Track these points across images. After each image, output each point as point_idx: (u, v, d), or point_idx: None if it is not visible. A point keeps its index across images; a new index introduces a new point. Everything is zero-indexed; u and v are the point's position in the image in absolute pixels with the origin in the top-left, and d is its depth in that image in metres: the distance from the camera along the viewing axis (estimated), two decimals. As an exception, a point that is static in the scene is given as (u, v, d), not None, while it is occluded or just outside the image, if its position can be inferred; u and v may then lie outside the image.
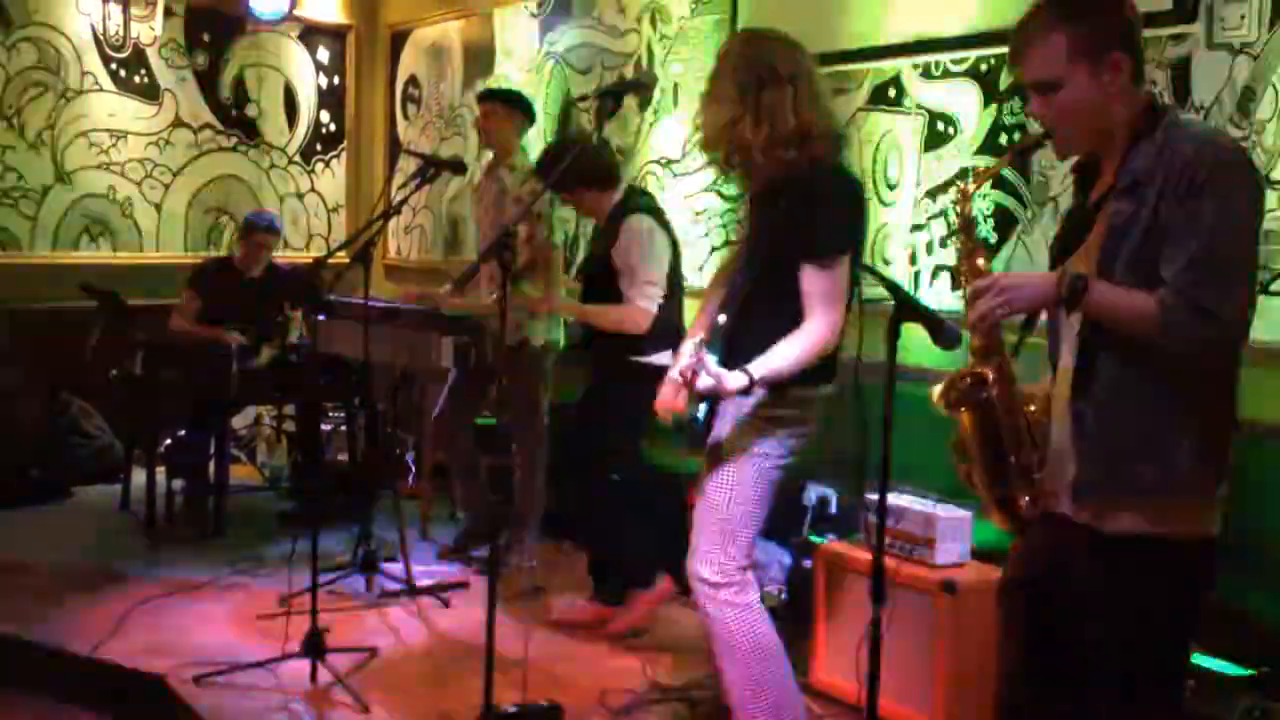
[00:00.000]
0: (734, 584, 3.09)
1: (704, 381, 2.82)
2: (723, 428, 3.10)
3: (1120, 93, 2.25)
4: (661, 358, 4.20)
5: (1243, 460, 2.31)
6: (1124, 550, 2.24)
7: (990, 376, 2.34)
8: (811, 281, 2.97)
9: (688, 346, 2.91)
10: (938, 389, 2.40)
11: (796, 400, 3.05)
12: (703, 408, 3.01)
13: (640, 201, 4.50)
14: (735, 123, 2.99)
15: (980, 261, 2.40)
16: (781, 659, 3.15)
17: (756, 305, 3.00)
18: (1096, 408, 2.26)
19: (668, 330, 4.29)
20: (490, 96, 5.40)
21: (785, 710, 3.13)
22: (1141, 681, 2.27)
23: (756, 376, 2.88)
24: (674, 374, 2.98)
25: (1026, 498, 2.36)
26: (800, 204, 2.98)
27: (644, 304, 4.33)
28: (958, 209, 2.45)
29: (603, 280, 4.43)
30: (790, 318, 2.97)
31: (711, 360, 2.82)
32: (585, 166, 4.45)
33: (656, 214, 4.47)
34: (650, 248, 4.36)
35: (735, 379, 2.85)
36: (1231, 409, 2.26)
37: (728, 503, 3.09)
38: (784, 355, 2.93)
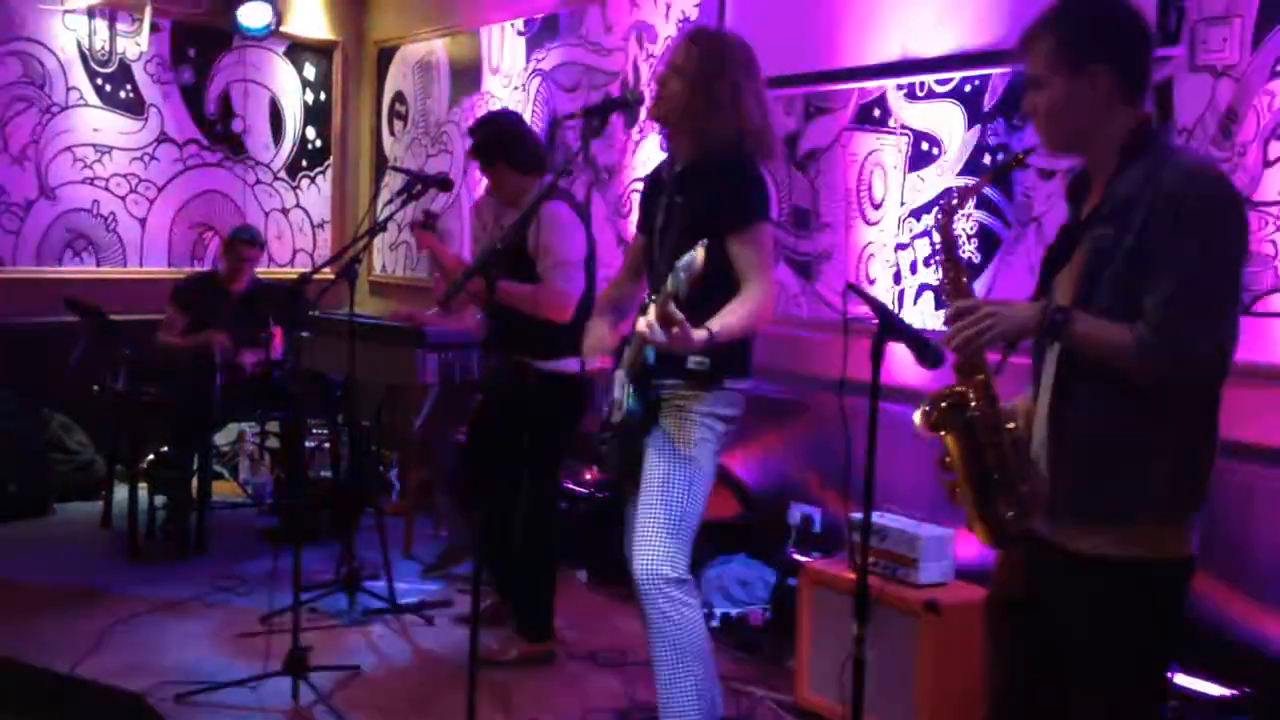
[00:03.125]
0: (688, 581, 3.20)
1: (673, 332, 2.89)
2: (666, 428, 3.21)
3: (1098, 105, 2.26)
4: (572, 365, 4.17)
5: (1225, 480, 2.31)
6: (1098, 571, 2.24)
7: (972, 397, 2.34)
8: (740, 250, 3.16)
9: (654, 300, 2.97)
10: (919, 413, 2.40)
11: (732, 396, 3.25)
12: (650, 354, 3.12)
13: (561, 194, 4.36)
14: (691, 101, 3.20)
15: (964, 281, 2.41)
16: (713, 660, 3.28)
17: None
18: (1073, 430, 2.26)
19: (579, 336, 4.07)
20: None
21: (715, 714, 3.26)
22: (1118, 702, 2.27)
23: (716, 332, 3.01)
24: (642, 324, 3.01)
25: (1010, 512, 2.36)
26: (720, 182, 3.19)
27: (564, 286, 4.16)
28: (940, 229, 2.46)
29: (514, 272, 4.15)
30: (718, 291, 3.11)
31: (680, 315, 2.90)
32: (510, 142, 4.41)
33: (577, 208, 4.39)
34: (570, 232, 4.23)
35: (698, 333, 2.97)
36: (1212, 434, 2.26)
37: (682, 501, 3.19)
38: (736, 317, 3.09)
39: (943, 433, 2.36)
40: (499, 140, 4.43)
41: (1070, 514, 2.27)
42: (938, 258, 2.44)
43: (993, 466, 2.34)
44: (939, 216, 2.46)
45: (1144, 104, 2.32)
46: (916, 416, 2.40)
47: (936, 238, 2.44)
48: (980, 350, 2.32)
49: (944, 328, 2.32)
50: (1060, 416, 2.28)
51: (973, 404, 2.33)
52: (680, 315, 2.88)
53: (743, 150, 3.23)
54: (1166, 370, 2.13)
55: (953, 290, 2.39)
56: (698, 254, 2.83)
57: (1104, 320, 2.18)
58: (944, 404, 2.36)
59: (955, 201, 2.49)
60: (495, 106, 6.67)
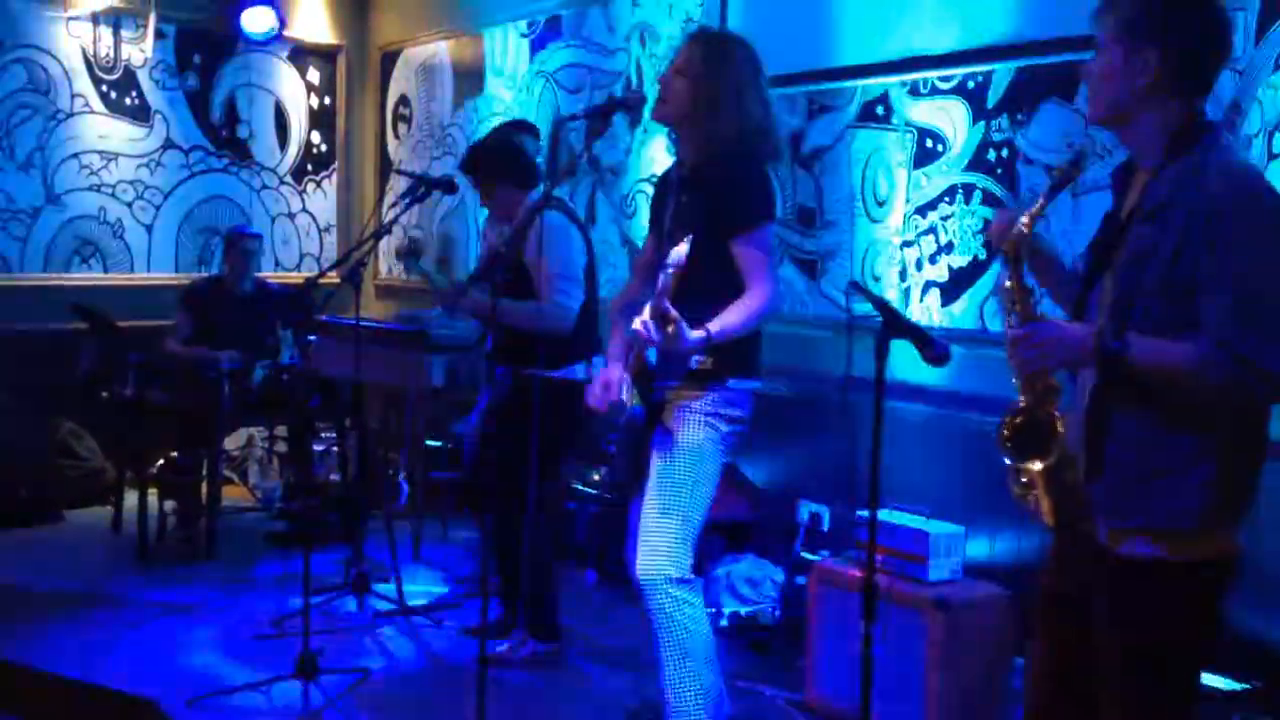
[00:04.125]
0: (691, 582, 3.20)
1: (668, 330, 2.91)
2: (670, 427, 3.21)
3: (1144, 87, 2.23)
4: (575, 371, 4.17)
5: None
6: (1132, 570, 2.22)
7: (1058, 426, 2.25)
8: (743, 252, 3.17)
9: (649, 304, 2.99)
10: (1000, 442, 2.32)
11: (737, 395, 3.24)
12: (651, 354, 3.16)
13: (556, 204, 4.34)
14: (694, 101, 3.21)
15: (1030, 305, 2.32)
16: (717, 660, 3.27)
17: (688, 282, 3.00)
18: (1114, 431, 2.23)
19: (582, 343, 4.20)
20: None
21: (721, 712, 3.25)
22: (1145, 701, 2.25)
23: (713, 332, 3.03)
24: (636, 324, 3.01)
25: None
26: (724, 184, 3.20)
27: (563, 300, 4.16)
28: (1009, 254, 2.36)
29: (512, 285, 4.15)
30: (723, 290, 3.13)
31: (674, 313, 2.91)
32: (503, 157, 4.43)
33: (573, 217, 4.41)
34: (566, 245, 4.23)
35: (695, 333, 2.99)
36: (1259, 440, 2.23)
37: (689, 502, 3.19)
38: (734, 318, 3.10)
39: (1037, 464, 2.29)
40: (492, 155, 4.45)
41: (1103, 514, 2.25)
42: (1005, 283, 2.36)
43: (1073, 478, 2.31)
44: (1010, 244, 2.36)
45: (1200, 103, 2.28)
46: (1000, 447, 2.33)
47: (1008, 274, 2.35)
48: (1038, 373, 2.29)
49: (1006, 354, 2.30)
50: (1100, 419, 2.25)
51: (1059, 431, 2.27)
52: (674, 313, 2.88)
53: (747, 151, 3.23)
54: (1238, 387, 2.09)
55: (1022, 313, 2.32)
56: (681, 249, 2.85)
57: (1159, 341, 2.14)
58: (1017, 420, 2.32)
59: (1024, 225, 2.35)
60: (499, 109, 6.69)
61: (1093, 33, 2.33)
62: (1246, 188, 2.15)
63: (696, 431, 3.21)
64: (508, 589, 4.53)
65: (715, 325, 3.04)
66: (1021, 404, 2.32)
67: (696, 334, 2.98)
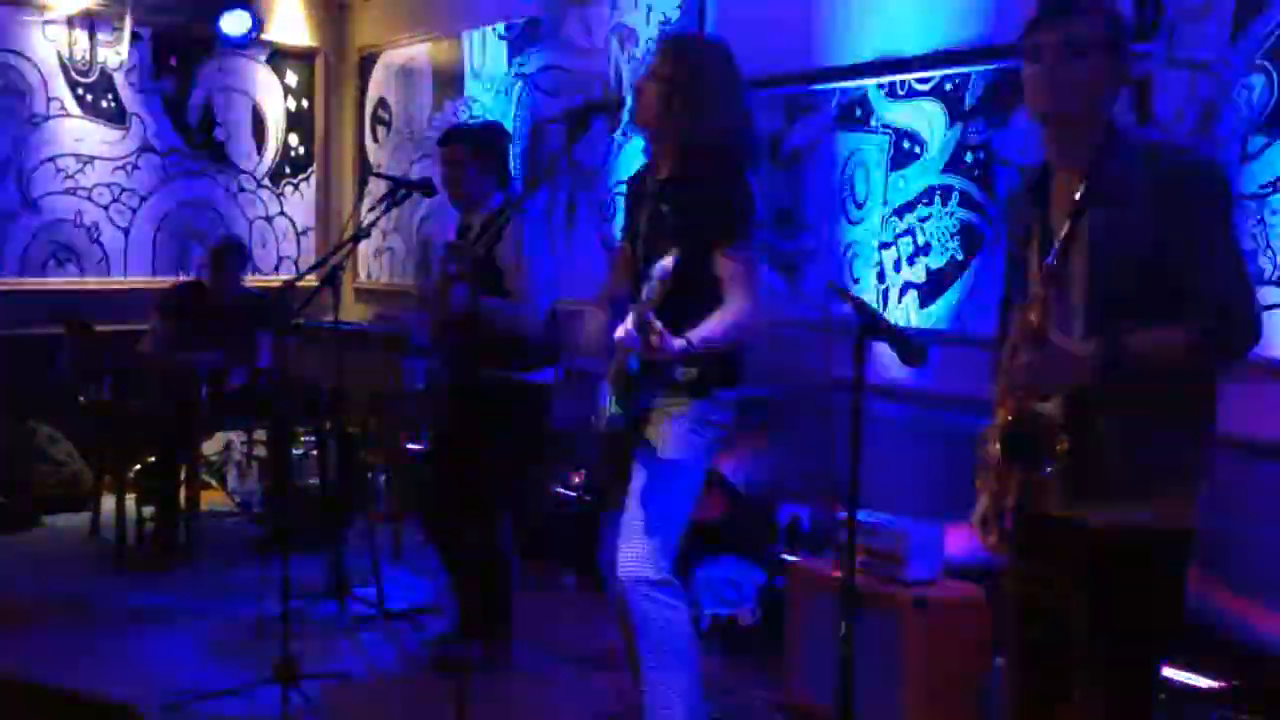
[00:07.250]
0: (672, 585, 3.18)
1: (651, 340, 2.90)
2: (655, 435, 3.19)
3: (1110, 97, 2.33)
4: (543, 375, 4.18)
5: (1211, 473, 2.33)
6: (1108, 543, 2.26)
7: (1062, 439, 2.26)
8: (726, 264, 3.14)
9: (633, 308, 2.99)
10: (996, 440, 2.35)
11: (724, 404, 3.23)
12: (633, 361, 3.14)
13: (522, 208, 4.32)
14: (669, 107, 3.17)
15: (1037, 328, 2.29)
16: (699, 661, 3.27)
17: (671, 293, 2.99)
18: (1092, 403, 2.25)
19: (549, 347, 4.23)
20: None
21: (699, 713, 3.24)
22: (1122, 677, 2.29)
23: (695, 341, 3.01)
24: (620, 332, 3.01)
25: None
26: (706, 195, 3.16)
27: (544, 303, 4.20)
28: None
29: (486, 282, 4.11)
30: (705, 302, 3.11)
31: (657, 323, 2.91)
32: (502, 150, 4.46)
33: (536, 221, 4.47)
34: (543, 249, 4.30)
35: (677, 342, 2.97)
36: (1213, 406, 2.31)
37: (670, 510, 3.19)
38: (717, 328, 3.08)
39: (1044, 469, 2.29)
40: (484, 134, 4.45)
41: (1084, 487, 2.27)
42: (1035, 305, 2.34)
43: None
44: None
45: None
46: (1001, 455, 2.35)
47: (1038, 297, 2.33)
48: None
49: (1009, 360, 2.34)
50: (1083, 399, 2.25)
51: (1061, 440, 2.27)
52: (658, 323, 2.88)
53: (727, 158, 3.20)
54: (1235, 341, 2.23)
55: (1037, 327, 2.28)
56: (668, 261, 2.84)
57: (1152, 336, 2.20)
58: (1014, 428, 2.32)
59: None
60: (478, 111, 6.69)
61: (1063, 31, 2.28)
62: (1201, 163, 2.35)
63: (681, 443, 3.19)
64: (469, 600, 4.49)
65: (697, 335, 3.02)
66: (1010, 415, 2.32)
67: (677, 343, 2.97)
